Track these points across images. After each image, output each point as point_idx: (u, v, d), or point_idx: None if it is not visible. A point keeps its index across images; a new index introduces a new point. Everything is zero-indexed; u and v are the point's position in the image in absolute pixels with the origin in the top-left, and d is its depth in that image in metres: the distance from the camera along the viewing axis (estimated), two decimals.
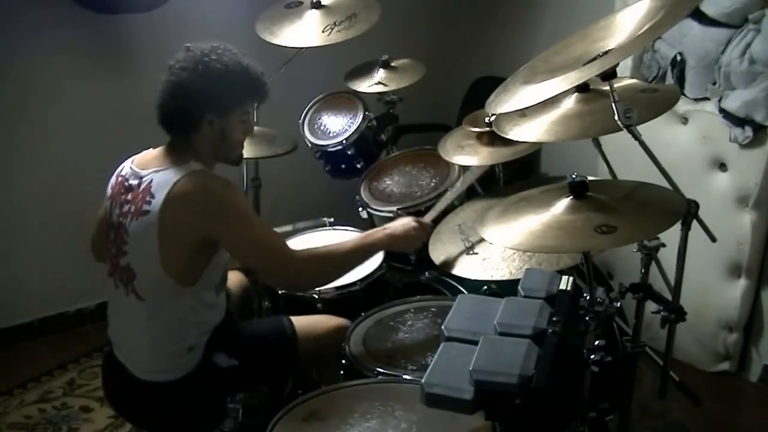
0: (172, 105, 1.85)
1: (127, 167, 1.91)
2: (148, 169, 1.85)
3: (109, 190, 1.93)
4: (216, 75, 1.82)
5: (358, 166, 2.77)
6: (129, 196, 1.84)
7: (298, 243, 2.53)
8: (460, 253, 2.08)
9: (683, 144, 2.70)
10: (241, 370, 1.94)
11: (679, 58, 2.64)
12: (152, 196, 1.79)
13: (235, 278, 2.30)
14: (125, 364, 1.90)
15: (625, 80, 1.89)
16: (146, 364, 1.88)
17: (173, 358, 1.87)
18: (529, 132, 1.79)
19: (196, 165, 1.83)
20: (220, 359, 1.93)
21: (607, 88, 1.55)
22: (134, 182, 1.84)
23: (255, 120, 2.74)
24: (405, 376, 1.84)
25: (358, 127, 2.75)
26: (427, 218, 2.21)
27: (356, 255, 1.99)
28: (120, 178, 1.90)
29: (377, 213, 2.55)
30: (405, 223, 2.09)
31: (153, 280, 1.81)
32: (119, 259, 1.85)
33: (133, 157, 1.94)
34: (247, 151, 2.53)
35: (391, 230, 2.05)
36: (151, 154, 1.91)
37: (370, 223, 2.59)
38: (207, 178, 1.83)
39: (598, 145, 1.97)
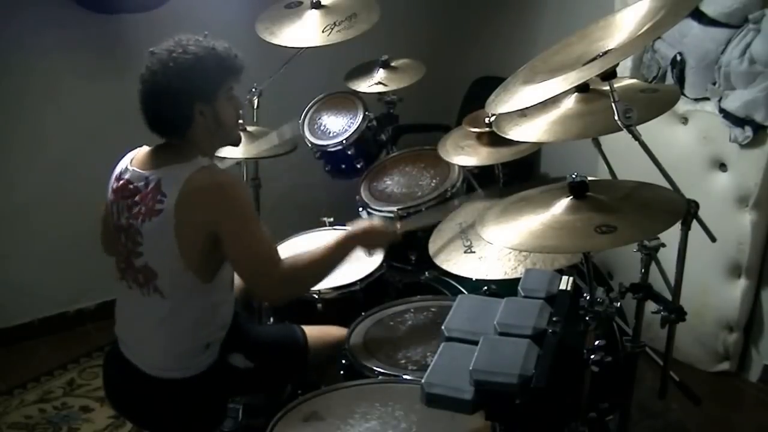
0: (160, 110, 1.84)
1: (126, 168, 1.89)
2: (152, 169, 1.84)
3: (110, 194, 1.91)
4: (189, 66, 1.80)
5: (358, 166, 2.77)
6: (137, 198, 1.82)
7: (299, 242, 2.54)
8: (457, 248, 2.08)
9: (683, 144, 2.70)
10: (255, 372, 1.95)
11: (679, 58, 2.64)
12: (163, 195, 1.78)
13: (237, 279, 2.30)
14: (135, 361, 1.90)
15: (625, 80, 1.89)
16: (161, 362, 1.88)
17: (190, 355, 1.88)
18: (529, 132, 1.79)
19: (204, 160, 1.83)
20: (237, 360, 1.93)
21: (607, 88, 1.55)
22: (140, 183, 1.83)
23: (255, 119, 2.77)
24: (405, 376, 1.84)
25: (358, 127, 2.75)
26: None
27: (337, 257, 1.94)
28: (122, 181, 1.88)
29: (377, 213, 2.55)
30: (375, 222, 2.07)
31: (175, 277, 1.81)
32: (134, 261, 1.84)
33: (130, 156, 1.92)
34: (247, 151, 2.55)
35: (362, 227, 2.02)
36: (150, 152, 1.90)
37: None
38: (219, 174, 1.84)
39: (598, 145, 1.97)
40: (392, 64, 2.86)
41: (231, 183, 1.83)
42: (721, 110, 2.54)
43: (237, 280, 2.31)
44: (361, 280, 2.30)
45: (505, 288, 1.96)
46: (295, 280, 1.88)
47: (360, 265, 2.34)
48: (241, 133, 2.65)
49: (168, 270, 1.81)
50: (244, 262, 1.84)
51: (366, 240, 2.02)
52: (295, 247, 2.47)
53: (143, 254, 1.83)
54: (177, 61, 1.80)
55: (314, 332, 2.11)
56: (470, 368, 1.42)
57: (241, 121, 2.01)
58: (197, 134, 1.86)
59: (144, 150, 1.92)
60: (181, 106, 1.82)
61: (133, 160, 1.90)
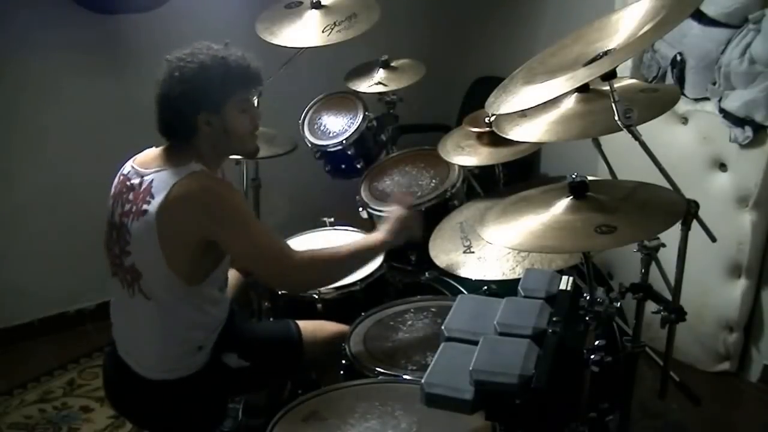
0: (166, 117, 1.85)
1: (128, 166, 1.91)
2: (150, 169, 1.84)
3: (112, 190, 1.93)
4: (193, 75, 1.80)
5: (358, 166, 2.76)
6: (131, 196, 1.84)
7: (299, 242, 2.54)
8: (458, 251, 2.08)
9: (683, 144, 2.70)
10: (249, 371, 1.95)
11: (679, 58, 2.64)
12: (152, 196, 1.79)
13: (231, 278, 2.30)
14: (130, 363, 1.90)
15: (625, 80, 1.89)
16: (154, 364, 1.88)
17: (182, 357, 1.88)
18: (529, 132, 1.79)
19: (196, 166, 1.83)
20: (230, 359, 1.93)
21: (607, 88, 1.55)
22: (136, 181, 1.84)
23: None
24: (405, 376, 1.84)
25: (358, 127, 2.75)
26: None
27: (358, 257, 1.99)
28: (122, 177, 1.90)
29: (377, 213, 2.55)
30: (396, 217, 2.08)
31: (159, 279, 1.81)
32: (123, 259, 1.85)
33: (135, 156, 1.94)
34: None
35: (387, 228, 2.04)
36: (153, 153, 1.91)
37: (371, 223, 2.59)
38: (207, 179, 1.83)
39: (598, 145, 1.97)
40: (392, 64, 2.86)
41: (220, 187, 1.82)
42: (721, 110, 2.54)
43: (231, 278, 2.32)
44: (361, 280, 2.30)
45: (505, 288, 1.96)
46: (313, 273, 1.91)
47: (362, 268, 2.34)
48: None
49: (152, 272, 1.81)
50: (252, 259, 1.86)
51: (396, 239, 2.04)
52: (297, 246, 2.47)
53: (131, 253, 1.83)
54: (183, 70, 1.81)
55: (309, 327, 2.11)
56: (470, 368, 1.42)
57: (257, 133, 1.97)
58: (201, 143, 1.86)
59: (150, 150, 1.93)
60: (184, 115, 1.83)
61: (136, 159, 1.92)
